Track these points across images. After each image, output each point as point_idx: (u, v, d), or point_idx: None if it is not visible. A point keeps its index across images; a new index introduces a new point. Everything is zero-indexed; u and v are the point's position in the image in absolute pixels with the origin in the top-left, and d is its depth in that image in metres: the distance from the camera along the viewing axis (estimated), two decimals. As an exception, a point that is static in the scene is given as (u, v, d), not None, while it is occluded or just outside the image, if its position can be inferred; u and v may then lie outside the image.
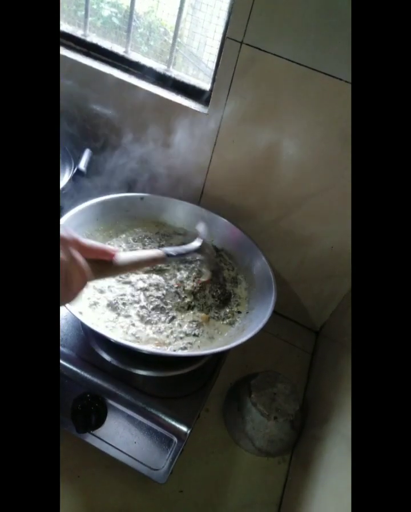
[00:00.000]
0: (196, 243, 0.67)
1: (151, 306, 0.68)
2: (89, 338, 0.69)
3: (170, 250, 0.60)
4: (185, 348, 0.65)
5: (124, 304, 0.67)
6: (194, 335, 0.67)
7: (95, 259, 0.46)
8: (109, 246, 0.49)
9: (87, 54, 0.91)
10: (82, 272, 0.43)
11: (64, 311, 0.72)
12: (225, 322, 0.71)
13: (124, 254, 0.52)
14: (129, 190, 0.82)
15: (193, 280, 0.72)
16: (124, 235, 0.81)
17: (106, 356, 0.67)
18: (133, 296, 0.69)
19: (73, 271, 0.42)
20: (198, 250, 0.66)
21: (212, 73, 0.79)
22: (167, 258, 0.59)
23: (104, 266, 0.49)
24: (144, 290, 0.70)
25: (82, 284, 0.44)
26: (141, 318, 0.66)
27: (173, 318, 0.68)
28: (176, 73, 0.87)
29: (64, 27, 0.91)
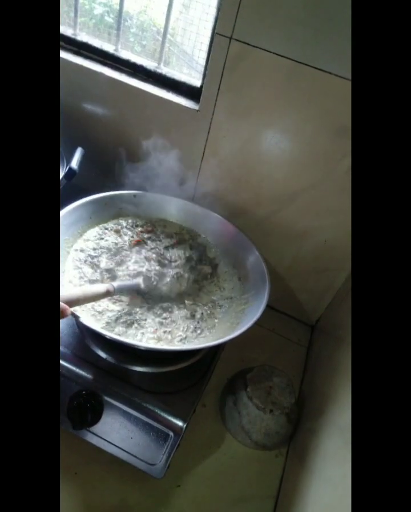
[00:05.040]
0: (138, 280, 0.70)
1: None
2: (85, 335, 0.70)
3: (118, 284, 0.65)
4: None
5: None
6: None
7: None
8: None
9: (78, 53, 0.91)
10: None
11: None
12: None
13: (72, 293, 0.56)
14: (121, 187, 0.82)
15: None
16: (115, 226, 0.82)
17: (101, 353, 0.67)
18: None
19: None
20: (138, 288, 0.70)
21: (203, 69, 0.80)
22: (115, 292, 0.64)
23: None
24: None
25: None
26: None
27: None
28: (167, 70, 0.87)
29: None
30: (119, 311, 0.67)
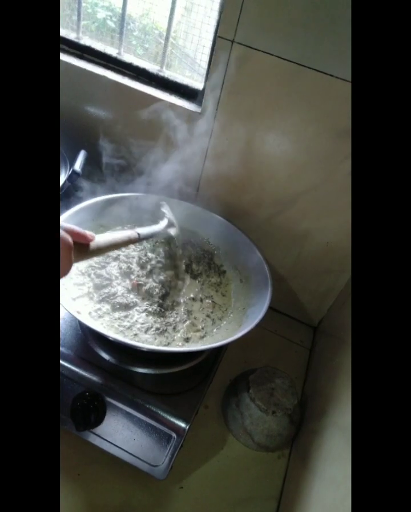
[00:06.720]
0: (163, 223, 0.71)
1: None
2: (87, 336, 0.70)
3: (142, 230, 0.63)
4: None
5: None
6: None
7: (74, 241, 0.48)
8: (87, 231, 0.52)
9: (81, 57, 0.91)
10: (68, 252, 0.45)
11: (62, 311, 0.72)
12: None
13: (100, 237, 0.55)
14: (124, 190, 0.82)
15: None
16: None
17: (104, 355, 0.67)
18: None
19: (61, 251, 0.43)
20: (165, 229, 0.71)
21: (205, 72, 0.80)
22: (140, 238, 0.62)
23: (83, 248, 0.51)
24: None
25: (68, 266, 0.46)
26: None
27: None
28: (169, 73, 0.88)
29: (57, 30, 0.92)
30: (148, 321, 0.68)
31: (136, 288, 0.71)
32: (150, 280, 0.73)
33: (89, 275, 0.72)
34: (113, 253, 0.76)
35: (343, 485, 0.49)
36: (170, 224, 0.72)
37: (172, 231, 0.72)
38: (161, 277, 0.74)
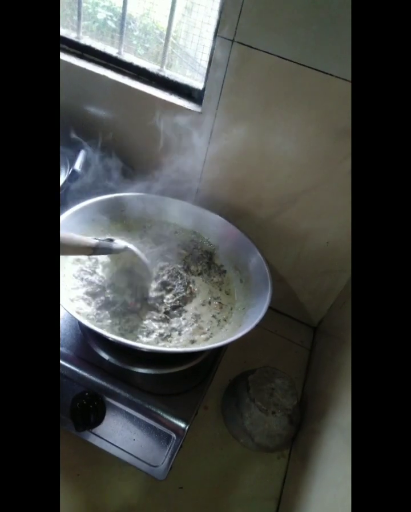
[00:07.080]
0: (119, 241, 0.67)
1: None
2: (87, 337, 0.70)
3: (101, 243, 0.62)
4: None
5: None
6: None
7: None
8: None
9: (81, 56, 0.91)
10: None
11: (61, 311, 0.72)
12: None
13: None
14: (124, 189, 0.82)
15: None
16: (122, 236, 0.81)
17: (104, 355, 0.67)
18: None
19: None
20: (122, 250, 0.67)
21: (205, 72, 0.80)
22: (95, 250, 0.61)
23: None
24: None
25: None
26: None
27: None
28: (169, 73, 0.88)
29: (57, 29, 0.92)
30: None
31: (134, 306, 0.70)
32: (163, 293, 0.73)
33: (81, 279, 0.71)
34: (101, 257, 0.73)
35: (343, 485, 0.49)
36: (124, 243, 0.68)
37: (129, 245, 0.67)
38: (180, 295, 0.73)
